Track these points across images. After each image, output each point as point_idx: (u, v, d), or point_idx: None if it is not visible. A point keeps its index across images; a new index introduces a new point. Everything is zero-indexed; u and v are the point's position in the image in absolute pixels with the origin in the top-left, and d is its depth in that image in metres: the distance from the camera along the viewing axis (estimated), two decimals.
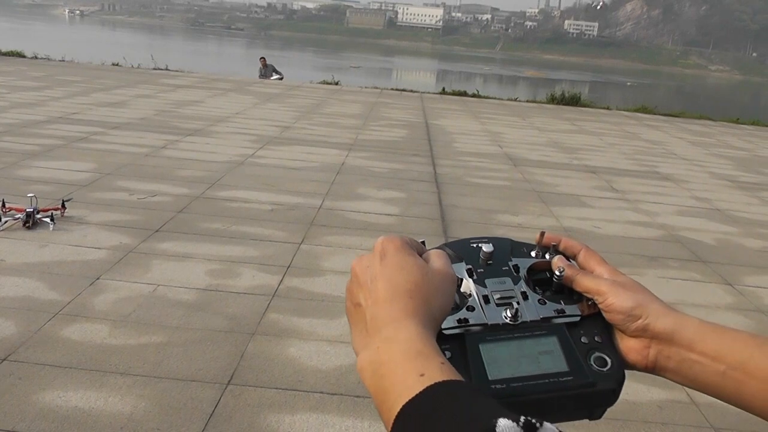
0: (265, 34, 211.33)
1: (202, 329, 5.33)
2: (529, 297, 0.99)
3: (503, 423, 0.66)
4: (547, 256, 1.04)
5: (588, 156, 14.82)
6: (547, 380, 0.91)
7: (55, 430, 3.96)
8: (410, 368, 0.75)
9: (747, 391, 0.92)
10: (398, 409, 0.72)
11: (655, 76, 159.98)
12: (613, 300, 0.97)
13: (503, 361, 0.91)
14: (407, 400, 0.72)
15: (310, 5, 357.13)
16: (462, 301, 0.96)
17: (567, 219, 9.39)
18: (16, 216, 7.31)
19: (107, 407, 4.20)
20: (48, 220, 7.32)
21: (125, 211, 8.14)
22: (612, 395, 0.95)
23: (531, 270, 1.03)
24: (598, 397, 0.94)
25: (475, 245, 1.03)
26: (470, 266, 1.01)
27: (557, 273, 1.00)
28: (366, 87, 27.40)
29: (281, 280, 6.38)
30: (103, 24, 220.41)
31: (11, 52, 27.30)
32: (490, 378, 0.89)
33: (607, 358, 0.95)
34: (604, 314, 0.98)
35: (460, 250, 1.03)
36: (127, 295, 5.83)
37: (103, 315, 5.43)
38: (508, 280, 1.00)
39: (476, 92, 27.07)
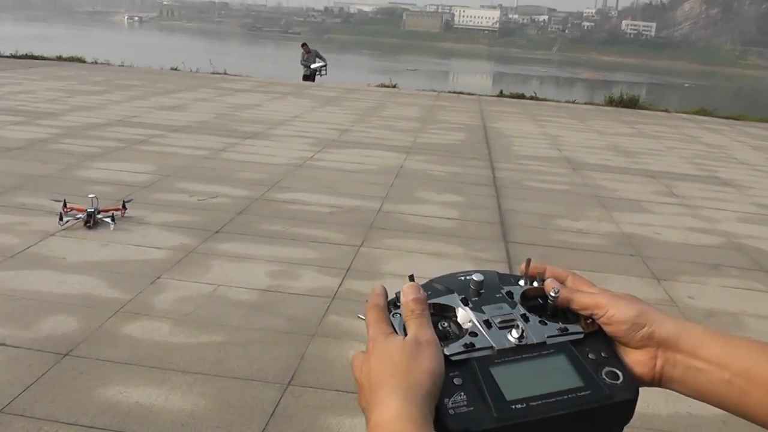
0: (328, 38, 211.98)
1: (262, 329, 5.34)
2: (530, 319, 0.99)
3: None
4: (535, 284, 1.04)
5: (648, 160, 14.63)
6: (565, 396, 0.91)
7: (116, 425, 3.99)
8: None
9: (751, 400, 0.91)
10: None
11: (713, 78, 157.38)
12: (615, 311, 0.97)
13: (518, 382, 0.91)
14: None
15: (366, 8, 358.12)
16: (460, 330, 0.97)
17: (627, 225, 9.26)
18: (77, 216, 7.41)
19: (168, 404, 4.22)
20: (109, 220, 7.41)
21: (185, 212, 8.22)
22: (628, 409, 0.94)
23: (524, 296, 1.03)
24: (616, 411, 0.93)
25: (463, 278, 1.04)
26: (463, 296, 1.01)
27: (552, 294, 1.00)
28: (423, 90, 27.37)
29: (341, 283, 6.37)
30: (162, 30, 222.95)
31: (72, 57, 27.72)
32: (507, 399, 0.89)
33: (618, 372, 0.95)
34: (606, 328, 0.98)
35: (450, 283, 1.04)
36: (187, 294, 5.87)
37: (163, 313, 5.48)
38: (505, 305, 1.01)
39: (534, 94, 26.87)
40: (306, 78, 27.02)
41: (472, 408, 0.87)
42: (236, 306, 5.74)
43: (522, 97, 26.68)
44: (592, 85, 78.41)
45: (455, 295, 1.01)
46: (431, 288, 1.03)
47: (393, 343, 0.90)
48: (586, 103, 27.33)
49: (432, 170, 11.66)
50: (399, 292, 1.01)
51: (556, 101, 26.86)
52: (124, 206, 7.77)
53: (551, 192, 10.84)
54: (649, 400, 4.69)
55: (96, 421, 4.01)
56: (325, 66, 26.93)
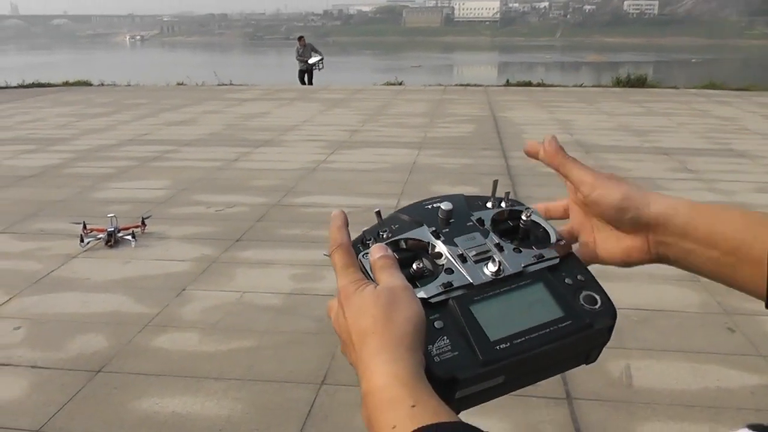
0: (333, 41, 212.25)
1: (291, 332, 5.38)
2: (505, 248, 0.95)
3: None
4: (503, 205, 1.02)
5: (659, 137, 14.58)
6: (547, 329, 0.88)
7: None
8: (383, 424, 0.76)
9: (739, 275, 0.91)
10: None
11: (720, 51, 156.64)
12: (603, 191, 0.96)
13: (498, 319, 0.88)
14: None
15: (365, 8, 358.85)
16: (435, 267, 0.93)
17: None
18: (98, 236, 7.46)
19: (204, 411, 4.26)
20: (129, 237, 7.47)
21: (204, 223, 8.26)
22: (608, 333, 0.93)
23: (494, 220, 1.00)
24: (595, 337, 0.92)
25: (430, 206, 1.00)
26: (433, 228, 0.97)
27: (524, 218, 0.98)
28: (429, 85, 27.36)
29: None
30: (164, 46, 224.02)
31: (78, 81, 27.82)
32: (491, 339, 0.86)
33: (596, 296, 0.93)
34: (594, 209, 0.98)
35: (417, 214, 0.99)
36: (214, 303, 5.92)
37: (191, 324, 5.52)
38: (477, 234, 0.97)
39: (541, 81, 26.82)
40: (302, 74, 26.76)
41: (456, 353, 0.85)
42: (263, 311, 5.78)
43: (529, 84, 26.63)
44: (598, 68, 78.12)
45: (425, 227, 0.97)
46: (398, 221, 0.99)
47: (366, 293, 0.85)
48: (593, 86, 27.22)
49: (445, 164, 11.67)
50: (366, 230, 0.99)
51: (564, 86, 26.77)
52: (143, 223, 7.82)
53: None
54: (677, 376, 4.71)
55: None
56: (321, 59, 26.69)
